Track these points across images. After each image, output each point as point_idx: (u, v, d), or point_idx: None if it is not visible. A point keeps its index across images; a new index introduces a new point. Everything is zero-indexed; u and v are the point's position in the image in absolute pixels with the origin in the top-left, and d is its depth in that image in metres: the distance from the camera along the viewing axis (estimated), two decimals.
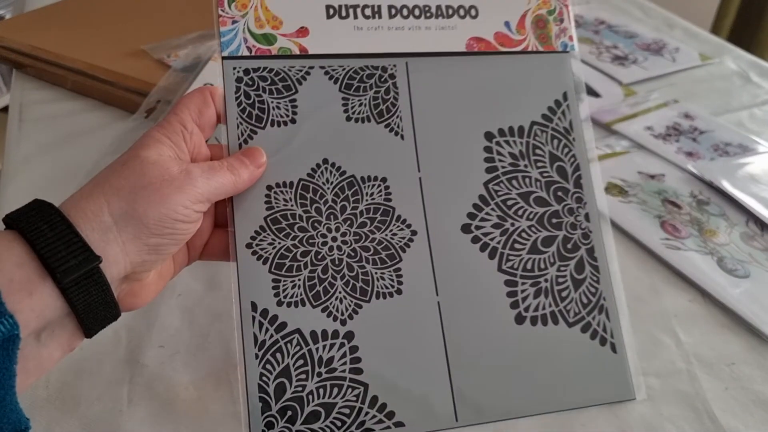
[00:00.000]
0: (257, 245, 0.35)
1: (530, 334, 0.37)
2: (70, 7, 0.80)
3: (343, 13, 0.38)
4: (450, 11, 0.40)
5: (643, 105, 0.75)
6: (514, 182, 0.39)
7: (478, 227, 0.38)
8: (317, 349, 0.34)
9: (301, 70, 0.37)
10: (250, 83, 0.36)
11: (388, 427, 0.34)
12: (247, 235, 0.35)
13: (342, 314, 0.35)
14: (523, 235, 0.38)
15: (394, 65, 0.38)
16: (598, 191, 0.40)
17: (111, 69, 0.67)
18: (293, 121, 0.36)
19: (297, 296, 0.35)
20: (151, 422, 0.39)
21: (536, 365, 0.37)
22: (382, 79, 0.38)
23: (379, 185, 0.37)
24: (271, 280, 0.35)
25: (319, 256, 0.35)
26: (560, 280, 0.38)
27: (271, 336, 0.34)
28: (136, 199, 0.30)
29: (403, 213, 0.37)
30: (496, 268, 0.37)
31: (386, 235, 0.36)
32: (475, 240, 0.37)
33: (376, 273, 0.36)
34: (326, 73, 0.37)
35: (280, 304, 0.34)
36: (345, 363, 0.35)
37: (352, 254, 0.36)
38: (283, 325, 0.34)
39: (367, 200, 0.37)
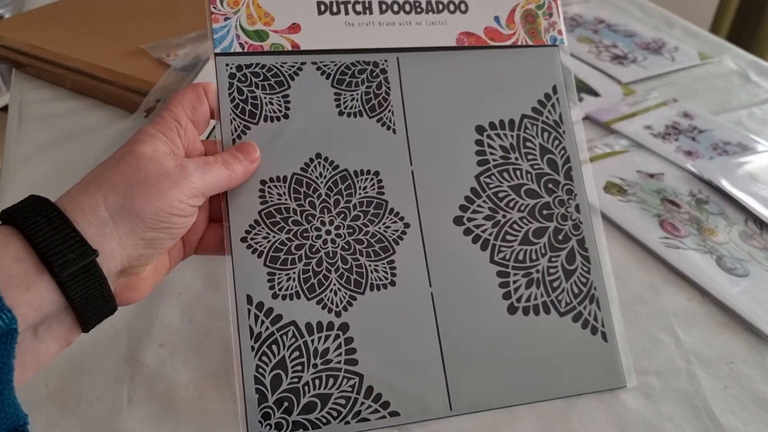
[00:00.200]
0: (252, 239, 0.35)
1: (522, 324, 0.37)
2: (69, 6, 0.80)
3: (335, 9, 0.39)
4: (440, 6, 0.40)
5: (643, 104, 0.75)
6: (505, 175, 0.39)
7: (470, 219, 0.38)
8: (312, 340, 0.35)
9: (293, 66, 0.38)
10: (243, 79, 0.37)
11: (384, 417, 0.35)
12: (241, 229, 0.35)
13: (337, 306, 0.35)
14: (515, 226, 0.39)
15: (386, 60, 0.39)
16: (588, 183, 0.40)
17: (110, 68, 0.67)
18: (286, 116, 0.37)
19: (292, 289, 0.35)
20: (151, 421, 0.39)
21: (529, 354, 0.37)
22: (374, 74, 0.39)
23: (372, 179, 0.37)
24: (266, 274, 0.35)
25: (314, 249, 0.36)
26: (551, 270, 0.38)
27: (267, 328, 0.34)
28: (132, 194, 0.30)
29: (396, 206, 0.37)
30: (488, 259, 0.38)
31: (379, 227, 0.37)
32: (468, 232, 0.38)
33: (369, 265, 0.36)
34: (318, 68, 0.38)
35: (275, 296, 0.35)
36: (340, 354, 0.35)
37: (346, 247, 0.36)
38: (279, 317, 0.35)
39: (360, 194, 0.37)
